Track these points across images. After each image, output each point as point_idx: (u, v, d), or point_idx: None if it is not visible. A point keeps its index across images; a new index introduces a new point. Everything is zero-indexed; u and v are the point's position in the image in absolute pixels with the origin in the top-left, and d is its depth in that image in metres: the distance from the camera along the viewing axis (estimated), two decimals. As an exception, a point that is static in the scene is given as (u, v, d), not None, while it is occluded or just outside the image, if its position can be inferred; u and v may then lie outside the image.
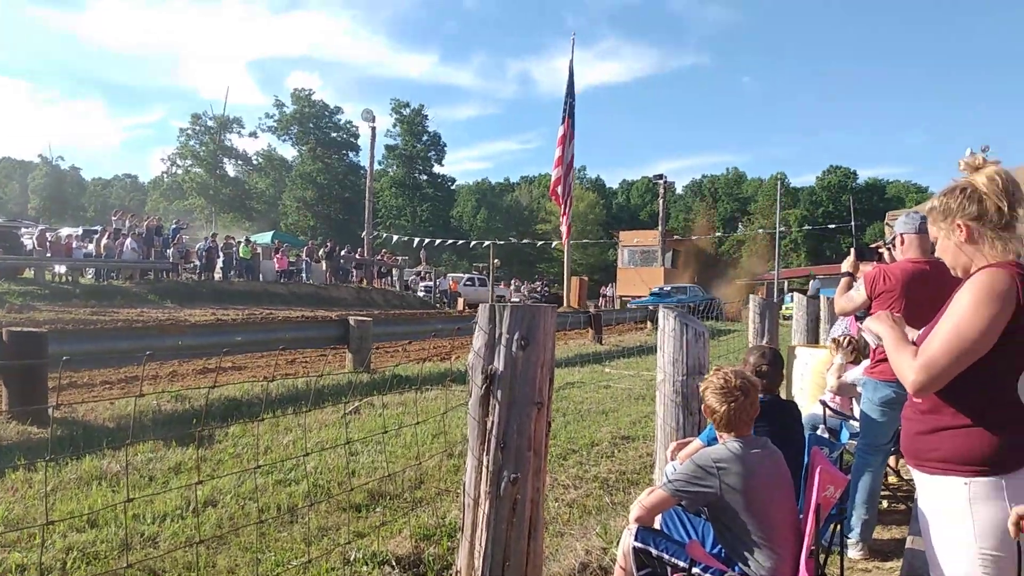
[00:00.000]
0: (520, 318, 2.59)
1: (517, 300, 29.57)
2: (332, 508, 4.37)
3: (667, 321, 4.14)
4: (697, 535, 3.11)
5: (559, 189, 29.96)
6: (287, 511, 4.27)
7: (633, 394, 8.75)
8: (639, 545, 2.88)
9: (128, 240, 25.74)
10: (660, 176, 47.04)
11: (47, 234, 26.91)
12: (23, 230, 27.60)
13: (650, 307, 23.41)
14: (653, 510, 2.92)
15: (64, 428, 6.12)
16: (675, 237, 49.22)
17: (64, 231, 30.39)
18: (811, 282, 36.46)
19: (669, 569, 2.83)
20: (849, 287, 4.43)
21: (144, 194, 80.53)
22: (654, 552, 2.87)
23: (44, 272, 23.91)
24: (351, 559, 3.55)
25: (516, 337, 2.58)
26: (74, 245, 26.20)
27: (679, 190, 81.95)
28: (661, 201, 46.59)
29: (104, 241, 25.78)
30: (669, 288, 35.60)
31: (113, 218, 29.50)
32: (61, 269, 24.63)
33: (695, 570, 2.74)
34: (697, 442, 3.49)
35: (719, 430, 2.92)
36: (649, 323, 20.24)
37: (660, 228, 44.48)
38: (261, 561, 3.61)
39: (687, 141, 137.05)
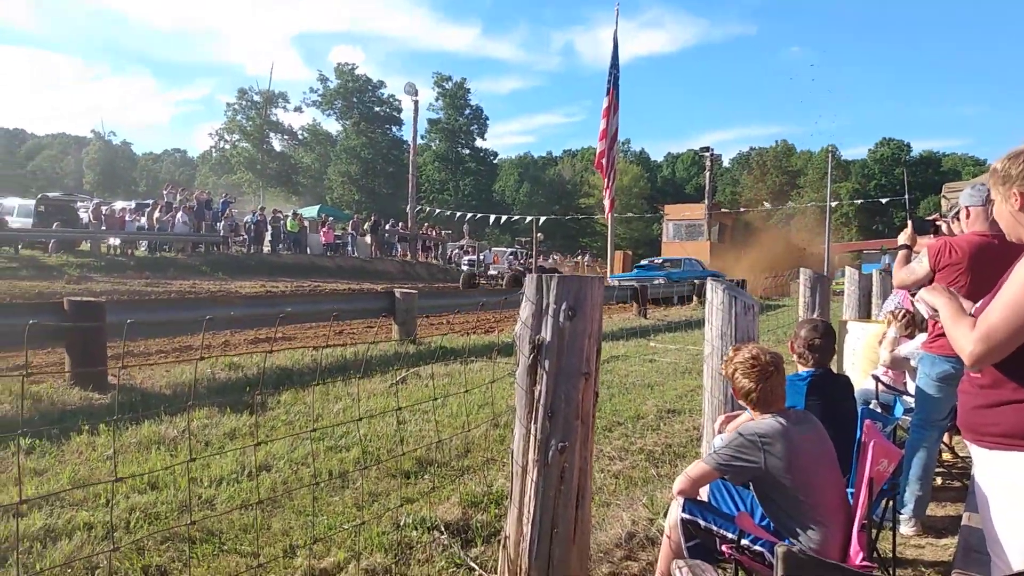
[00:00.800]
0: (567, 289, 2.59)
1: (494, 273, 27.21)
2: (382, 474, 4.46)
3: (715, 294, 4.10)
4: (745, 507, 3.10)
5: (603, 162, 29.69)
6: (339, 476, 4.37)
7: (679, 368, 8.70)
8: (687, 517, 2.88)
9: (179, 213, 26.36)
10: (707, 149, 46.16)
11: (102, 207, 27.71)
12: (79, 204, 28.43)
13: (636, 285, 19.13)
14: (697, 483, 2.91)
15: (123, 394, 6.34)
16: (723, 210, 48.35)
17: (118, 204, 31.22)
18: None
19: (717, 541, 2.83)
20: (907, 260, 4.31)
21: (193, 168, 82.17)
22: (702, 524, 2.87)
23: (100, 244, 24.67)
24: (401, 523, 3.63)
25: (563, 307, 2.58)
26: (128, 218, 26.92)
27: (726, 163, 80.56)
28: (708, 174, 45.79)
29: (156, 214, 26.45)
30: (660, 261, 30.83)
31: (164, 192, 30.21)
32: (115, 241, 25.36)
33: (744, 541, 2.73)
34: (746, 415, 3.46)
35: (755, 410, 2.88)
36: (696, 298, 19.93)
37: (706, 201, 43.78)
38: (315, 524, 3.71)
39: (734, 113, 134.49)
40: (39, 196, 28.92)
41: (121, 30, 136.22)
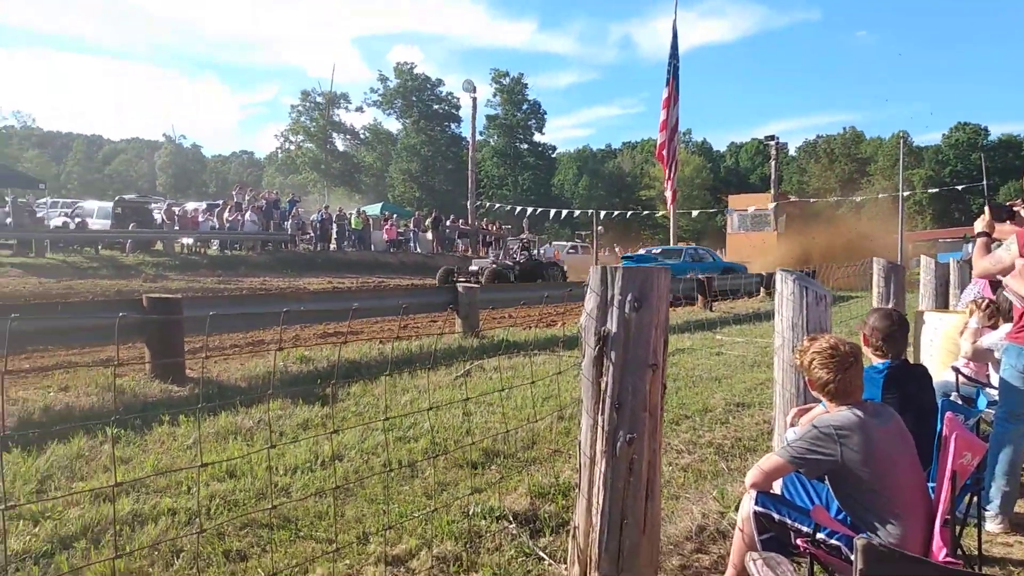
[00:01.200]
0: (632, 280, 2.57)
1: (474, 268, 21.50)
2: (450, 464, 4.52)
3: (785, 284, 4.01)
4: (821, 500, 3.03)
5: (664, 153, 29.25)
6: (408, 466, 4.45)
7: (747, 361, 8.54)
8: (760, 510, 2.84)
9: (248, 213, 27.17)
10: (771, 137, 44.96)
11: (174, 208, 28.81)
12: (153, 205, 29.62)
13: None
14: (770, 476, 2.86)
15: (200, 387, 6.60)
16: (791, 198, 47.06)
17: (190, 205, 32.38)
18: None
19: (792, 534, 2.78)
20: (987, 248, 4.12)
21: (260, 169, 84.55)
22: (776, 517, 2.82)
23: (173, 244, 25.63)
24: (471, 513, 3.67)
25: (629, 299, 2.56)
26: (200, 218, 27.88)
27: (792, 152, 78.39)
28: (773, 163, 44.67)
29: (226, 214, 27.31)
30: (659, 251, 26.13)
31: (234, 192, 31.18)
32: (188, 241, 26.33)
33: (820, 535, 2.67)
34: (819, 408, 3.37)
35: (832, 401, 2.80)
36: (763, 290, 19.43)
37: (772, 191, 42.74)
38: (387, 512, 3.79)
39: (798, 101, 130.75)
40: (116, 199, 30.26)
41: (191, 38, 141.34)
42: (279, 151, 74.28)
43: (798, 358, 2.94)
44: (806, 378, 2.92)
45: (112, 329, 7.06)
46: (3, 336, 5.71)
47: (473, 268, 21.63)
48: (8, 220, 23.40)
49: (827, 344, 2.80)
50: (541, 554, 3.31)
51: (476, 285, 11.34)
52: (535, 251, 26.54)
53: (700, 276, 18.04)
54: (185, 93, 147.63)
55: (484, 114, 72.28)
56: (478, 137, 54.15)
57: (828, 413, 2.85)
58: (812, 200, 52.75)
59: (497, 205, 51.85)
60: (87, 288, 17.75)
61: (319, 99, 68.04)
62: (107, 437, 4.96)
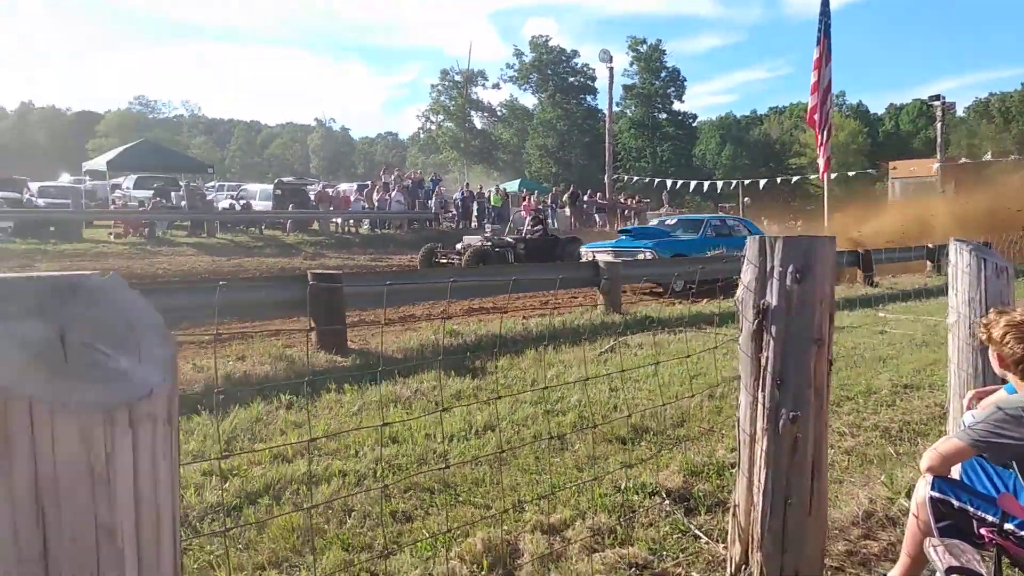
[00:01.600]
0: (794, 250, 2.48)
1: (460, 247, 17.58)
2: (599, 439, 4.57)
3: (960, 256, 3.73)
4: (1007, 487, 2.80)
5: (816, 117, 27.57)
6: (557, 438, 4.54)
7: (915, 340, 7.97)
8: (937, 495, 2.67)
9: (394, 193, 28.37)
10: (936, 97, 41.35)
11: (327, 189, 30.57)
12: (308, 187, 31.60)
13: (607, 258, 12.74)
14: (948, 460, 2.68)
15: (361, 357, 7.03)
16: (962, 160, 43.11)
17: (342, 186, 34.24)
18: None
19: (975, 523, 2.59)
20: None
21: (403, 150, 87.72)
22: (956, 504, 2.64)
23: (328, 224, 27.22)
24: (623, 487, 3.70)
25: (790, 270, 2.48)
26: (352, 198, 29.43)
27: (959, 112, 71.50)
28: (939, 125, 41.14)
29: (375, 195, 28.67)
30: (673, 221, 19.24)
31: (381, 173, 32.63)
32: (339, 221, 27.89)
33: (1008, 525, 2.48)
34: (1002, 392, 3.11)
35: None
36: (928, 263, 17.92)
37: (938, 155, 39.38)
38: (539, 482, 3.89)
39: (967, 56, 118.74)
40: (276, 181, 32.52)
41: (337, 22, 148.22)
42: (420, 131, 76.66)
43: (984, 331, 2.72)
44: (994, 354, 2.70)
45: (282, 303, 7.65)
46: (213, 303, 6.36)
47: (459, 246, 17.81)
48: (183, 203, 25.77)
49: (1022, 316, 2.57)
50: (697, 532, 3.29)
51: (618, 261, 11.23)
52: (551, 224, 20.87)
53: (734, 253, 12.78)
54: (333, 77, 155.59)
55: (621, 84, 71.03)
56: (615, 108, 53.43)
57: (1017, 394, 2.63)
58: (986, 163, 48.00)
59: (636, 178, 50.93)
60: (254, 265, 19.29)
61: (457, 77, 69.45)
62: (282, 403, 5.40)
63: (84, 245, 21.14)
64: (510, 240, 18.55)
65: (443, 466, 3.96)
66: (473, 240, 18.32)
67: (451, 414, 4.97)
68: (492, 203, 31.24)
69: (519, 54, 72.07)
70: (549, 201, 34.41)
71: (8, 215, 21.68)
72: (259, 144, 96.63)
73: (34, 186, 27.31)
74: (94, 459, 0.83)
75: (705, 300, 11.05)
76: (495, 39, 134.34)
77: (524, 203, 32.92)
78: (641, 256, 14.44)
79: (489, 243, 17.67)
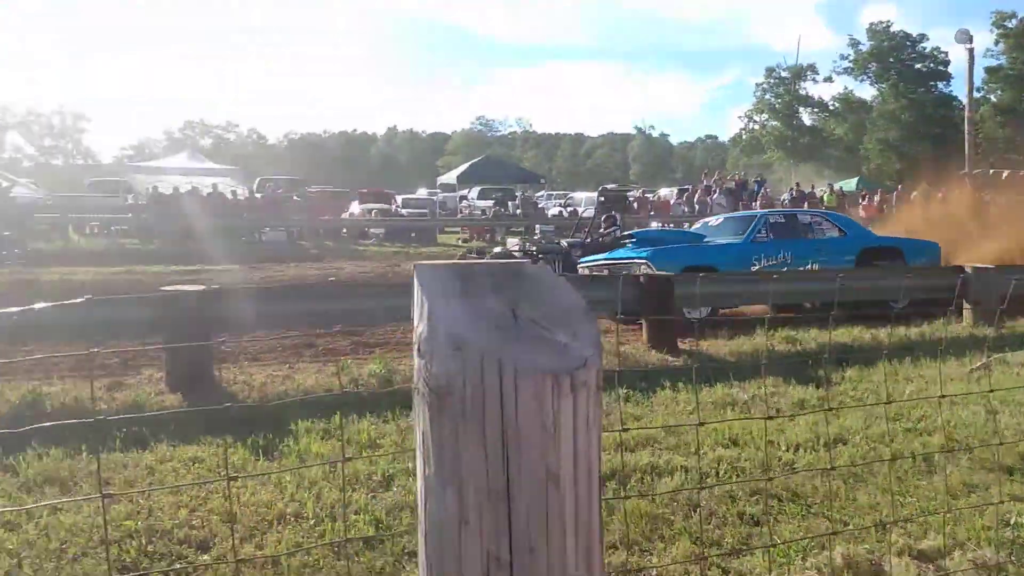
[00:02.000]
0: None
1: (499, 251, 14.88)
2: (975, 466, 4.03)
3: None
4: None
5: None
6: (922, 459, 4.10)
7: None
8: None
9: (716, 195, 27.90)
10: None
11: (647, 195, 31.14)
12: (629, 193, 32.50)
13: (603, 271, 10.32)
14: None
15: (693, 359, 7.04)
16: None
17: (663, 191, 34.59)
18: None
19: None
20: None
21: (724, 152, 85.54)
22: None
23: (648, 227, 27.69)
24: (1012, 522, 3.23)
25: None
26: (672, 202, 29.60)
27: None
28: None
29: (696, 198, 28.49)
30: (718, 221, 12.42)
31: (703, 176, 32.30)
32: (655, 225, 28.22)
33: None
34: None
35: None
36: None
37: None
38: (903, 504, 3.55)
39: None
40: (599, 188, 33.91)
41: (658, 29, 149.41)
42: (743, 132, 74.00)
43: None
44: None
45: (599, 302, 7.96)
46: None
47: (497, 251, 15.23)
48: (518, 211, 28.36)
49: None
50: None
51: (991, 266, 9.68)
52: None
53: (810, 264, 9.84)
54: (654, 84, 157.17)
55: (982, 67, 61.15)
56: (975, 95, 46.21)
57: None
58: None
59: (1005, 172, 43.50)
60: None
61: (784, 73, 65.77)
62: (619, 395, 5.63)
63: (438, 248, 24.21)
64: (561, 244, 13.81)
65: (787, 473, 3.81)
66: (513, 244, 15.38)
67: (795, 423, 4.75)
68: (826, 203, 29.07)
69: (855, 43, 65.94)
70: (893, 201, 30.98)
71: (381, 223, 26.34)
72: (583, 155, 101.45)
73: (399, 199, 32.02)
74: (545, 416, 0.97)
75: None
76: (823, 31, 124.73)
77: (863, 202, 30.11)
78: (640, 264, 10.01)
79: (533, 249, 13.70)
